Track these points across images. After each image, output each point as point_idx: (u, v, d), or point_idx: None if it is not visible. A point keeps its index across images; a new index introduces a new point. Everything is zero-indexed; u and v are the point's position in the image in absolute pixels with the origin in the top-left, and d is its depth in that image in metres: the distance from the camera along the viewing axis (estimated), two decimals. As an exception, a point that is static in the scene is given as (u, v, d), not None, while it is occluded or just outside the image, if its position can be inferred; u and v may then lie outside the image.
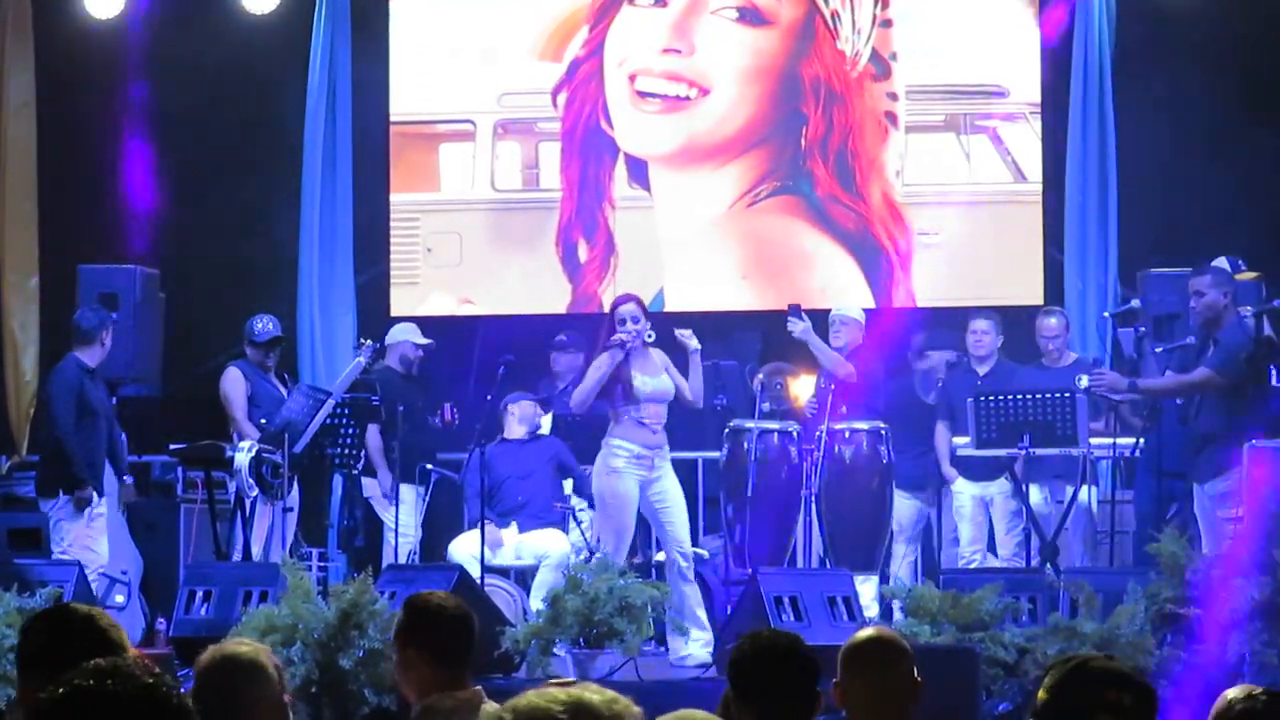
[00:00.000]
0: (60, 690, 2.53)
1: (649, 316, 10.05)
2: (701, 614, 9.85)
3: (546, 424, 11.53)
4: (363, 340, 11.29)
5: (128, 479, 10.96)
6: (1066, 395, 10.28)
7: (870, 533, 10.66)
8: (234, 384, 11.00)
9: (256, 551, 10.56)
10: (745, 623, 8.81)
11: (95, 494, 10.44)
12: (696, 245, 13.04)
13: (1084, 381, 10.12)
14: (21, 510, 11.65)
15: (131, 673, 2.54)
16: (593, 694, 2.59)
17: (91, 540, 10.44)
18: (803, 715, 4.35)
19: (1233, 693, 3.71)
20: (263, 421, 10.81)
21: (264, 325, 11.14)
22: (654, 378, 9.89)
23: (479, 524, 10.51)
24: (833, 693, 4.53)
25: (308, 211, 12.92)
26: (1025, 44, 12.84)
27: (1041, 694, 3.48)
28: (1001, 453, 10.49)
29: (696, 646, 9.65)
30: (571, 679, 4.14)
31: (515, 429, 11.30)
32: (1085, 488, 10.60)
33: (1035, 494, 10.75)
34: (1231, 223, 11.64)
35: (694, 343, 10.04)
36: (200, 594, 9.57)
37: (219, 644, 4.14)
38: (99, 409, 10.55)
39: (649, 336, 9.92)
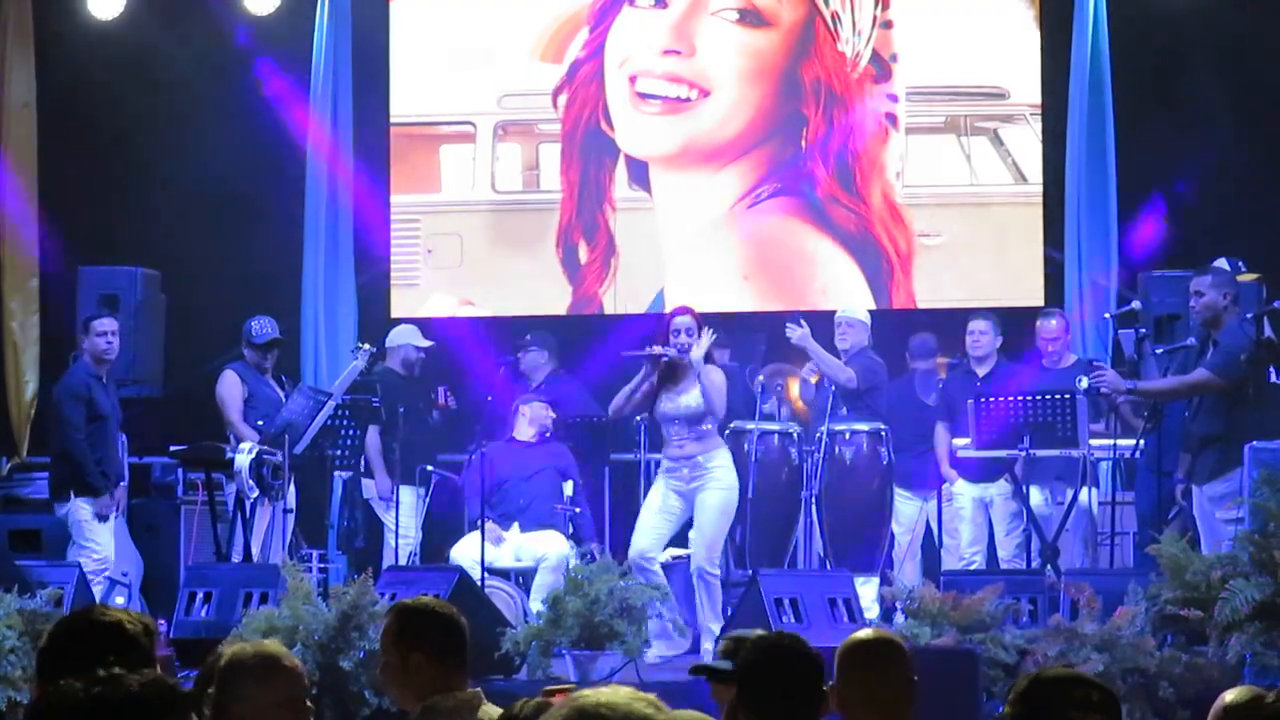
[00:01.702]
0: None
1: (701, 332, 9.82)
2: (713, 625, 9.71)
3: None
4: (360, 344, 11.30)
5: (122, 483, 10.98)
6: (1067, 396, 10.28)
7: (870, 534, 10.66)
8: (229, 387, 11.00)
9: (256, 553, 10.57)
10: (745, 624, 8.81)
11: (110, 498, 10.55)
12: (697, 247, 13.04)
13: (1084, 383, 10.12)
14: (21, 512, 11.66)
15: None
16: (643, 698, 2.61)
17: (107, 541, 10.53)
18: (808, 716, 4.34)
19: (1235, 693, 3.70)
20: (259, 423, 10.83)
21: (262, 327, 11.13)
22: (676, 398, 9.78)
23: (479, 523, 10.51)
24: (829, 694, 4.52)
25: (311, 213, 12.92)
26: (1025, 45, 12.84)
27: (1008, 710, 3.50)
28: (1002, 454, 10.48)
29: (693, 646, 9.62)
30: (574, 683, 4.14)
31: (524, 430, 11.29)
32: (1086, 489, 10.59)
33: (1035, 495, 10.75)
34: (1232, 224, 11.64)
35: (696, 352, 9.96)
36: (200, 595, 9.58)
37: (235, 643, 4.12)
38: (107, 413, 10.58)
39: (696, 352, 9.74)
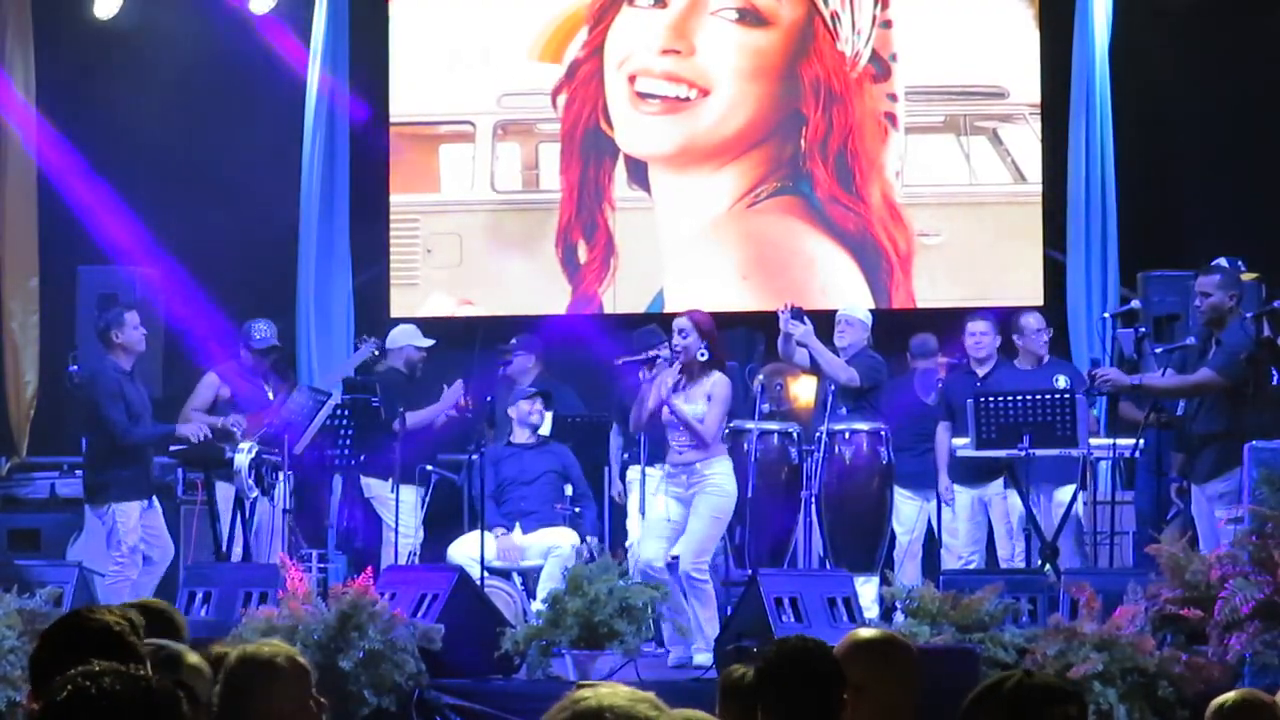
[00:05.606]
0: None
1: (706, 335, 9.61)
2: (706, 629, 9.64)
3: (547, 421, 11.51)
4: (364, 336, 11.38)
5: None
6: (1067, 396, 10.29)
7: (870, 534, 10.65)
8: (203, 387, 11.08)
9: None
10: (745, 624, 8.81)
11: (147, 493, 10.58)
12: (696, 246, 13.05)
13: (1062, 381, 10.17)
14: (21, 511, 11.66)
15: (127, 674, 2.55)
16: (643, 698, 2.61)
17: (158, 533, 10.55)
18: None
19: (1224, 698, 3.70)
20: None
21: (262, 332, 11.15)
22: (683, 405, 9.59)
23: (480, 526, 10.50)
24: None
25: (307, 213, 12.92)
26: (1025, 45, 12.84)
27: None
28: (1001, 454, 10.48)
29: (698, 654, 9.55)
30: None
31: (518, 432, 11.30)
32: (1074, 489, 10.59)
33: (1034, 495, 10.74)
34: (1232, 223, 11.65)
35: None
36: (200, 595, 9.58)
37: (246, 645, 4.14)
38: (139, 411, 10.56)
39: (701, 356, 9.56)
